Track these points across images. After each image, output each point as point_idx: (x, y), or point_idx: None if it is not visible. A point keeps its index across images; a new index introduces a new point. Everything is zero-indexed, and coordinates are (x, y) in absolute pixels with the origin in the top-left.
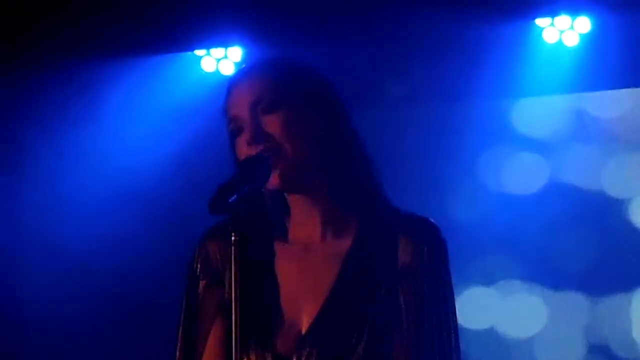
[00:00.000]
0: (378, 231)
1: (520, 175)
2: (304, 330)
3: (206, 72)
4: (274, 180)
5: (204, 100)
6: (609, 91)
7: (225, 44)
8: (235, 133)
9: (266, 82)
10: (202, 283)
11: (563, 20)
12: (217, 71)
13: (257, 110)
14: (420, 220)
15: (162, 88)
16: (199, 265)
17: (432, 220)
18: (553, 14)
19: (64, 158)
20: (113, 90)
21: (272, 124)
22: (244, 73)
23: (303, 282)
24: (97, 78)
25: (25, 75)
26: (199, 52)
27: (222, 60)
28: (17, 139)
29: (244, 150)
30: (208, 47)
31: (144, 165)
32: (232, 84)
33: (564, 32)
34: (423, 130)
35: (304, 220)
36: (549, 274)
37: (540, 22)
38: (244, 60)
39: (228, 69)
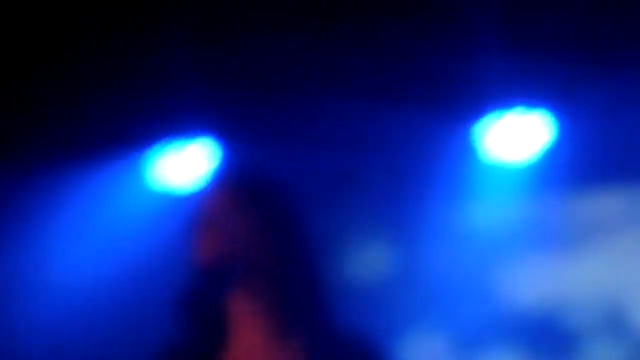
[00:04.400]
0: (326, 352)
1: None
2: None
3: (161, 180)
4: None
5: (154, 210)
6: None
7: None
8: (199, 228)
9: (242, 195)
10: None
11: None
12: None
13: (228, 216)
14: (366, 347)
15: (115, 197)
16: None
17: (377, 348)
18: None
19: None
20: (64, 200)
21: (239, 232)
22: (216, 185)
23: None
24: (47, 187)
25: None
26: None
27: (177, 167)
28: None
29: (205, 251)
30: (163, 154)
31: (98, 275)
32: (203, 192)
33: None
34: None
35: (249, 332)
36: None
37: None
38: (203, 169)
39: (182, 178)
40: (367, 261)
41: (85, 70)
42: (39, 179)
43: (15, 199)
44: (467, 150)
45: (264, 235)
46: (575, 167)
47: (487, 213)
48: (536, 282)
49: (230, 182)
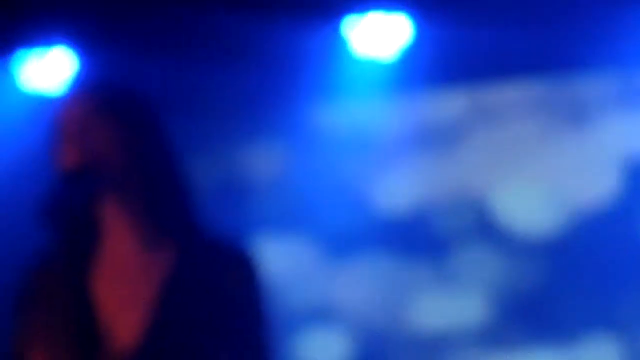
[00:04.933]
0: (197, 256)
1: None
2: (126, 347)
3: (24, 86)
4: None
5: (22, 117)
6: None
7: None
8: (60, 134)
9: (93, 103)
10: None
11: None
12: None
13: (84, 125)
14: (236, 251)
15: None
16: (27, 293)
17: (247, 252)
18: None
19: None
20: None
21: (102, 140)
22: (75, 92)
23: (123, 299)
24: None
25: None
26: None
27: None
28: None
29: (68, 158)
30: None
31: None
32: (63, 99)
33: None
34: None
35: (120, 238)
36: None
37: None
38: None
39: (45, 83)
40: (238, 163)
41: None
42: None
43: None
44: (334, 48)
45: (127, 143)
46: (438, 67)
47: (356, 112)
48: (405, 184)
49: (90, 90)
